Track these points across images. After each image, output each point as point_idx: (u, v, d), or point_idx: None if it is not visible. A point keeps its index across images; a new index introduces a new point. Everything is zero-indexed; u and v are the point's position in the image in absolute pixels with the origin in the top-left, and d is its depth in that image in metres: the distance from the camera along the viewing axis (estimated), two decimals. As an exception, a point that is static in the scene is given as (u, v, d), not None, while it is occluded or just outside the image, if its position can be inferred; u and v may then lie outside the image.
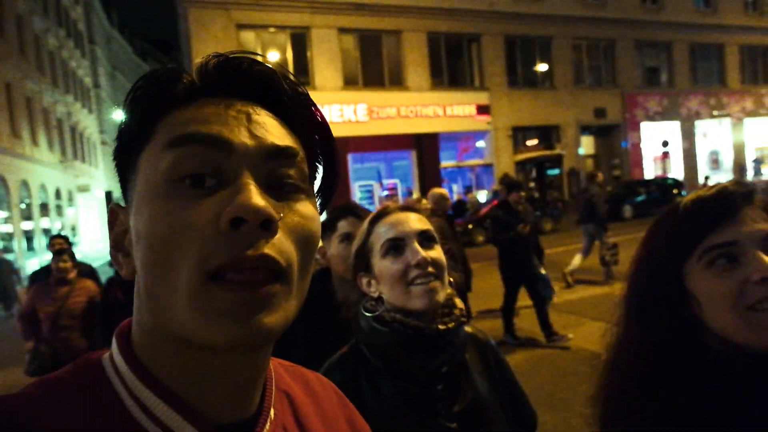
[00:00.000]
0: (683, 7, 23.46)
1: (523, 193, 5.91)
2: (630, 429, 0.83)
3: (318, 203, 0.53)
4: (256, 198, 0.42)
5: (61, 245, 5.55)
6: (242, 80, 0.49)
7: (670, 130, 23.39)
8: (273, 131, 0.48)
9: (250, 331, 0.42)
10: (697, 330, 0.79)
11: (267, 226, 0.42)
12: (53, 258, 4.31)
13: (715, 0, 24.28)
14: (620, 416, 0.85)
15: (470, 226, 15.68)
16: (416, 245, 1.08)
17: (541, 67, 21.13)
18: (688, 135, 24.06)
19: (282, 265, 0.43)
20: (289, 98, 0.50)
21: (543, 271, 5.71)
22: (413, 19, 18.44)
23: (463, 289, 5.02)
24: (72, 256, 4.45)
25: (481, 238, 15.41)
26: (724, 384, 0.75)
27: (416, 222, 1.12)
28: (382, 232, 1.12)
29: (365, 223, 1.17)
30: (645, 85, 23.25)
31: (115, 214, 0.51)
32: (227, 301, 0.41)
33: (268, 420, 0.51)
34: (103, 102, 38.83)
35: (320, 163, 0.54)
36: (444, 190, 5.83)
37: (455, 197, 19.24)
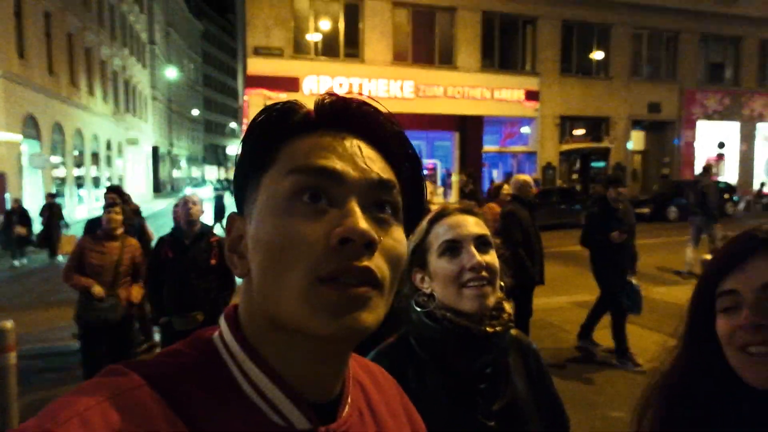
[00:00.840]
0: (759, 0, 22.06)
1: (623, 190, 5.20)
2: None
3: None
4: (362, 222, 0.50)
5: (114, 199, 5.67)
6: (352, 117, 0.56)
7: (729, 130, 22.34)
8: (377, 164, 0.55)
9: (348, 326, 0.50)
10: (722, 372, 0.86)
11: (369, 246, 0.50)
12: (105, 209, 4.28)
13: (795, -5, 22.74)
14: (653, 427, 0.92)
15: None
16: (472, 249, 1.12)
17: (597, 55, 20.40)
18: (748, 137, 22.94)
19: (378, 278, 0.51)
20: (389, 135, 0.58)
21: (635, 281, 5.09)
22: (470, -3, 18.03)
23: (532, 284, 4.85)
24: (123, 209, 4.45)
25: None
26: (737, 413, 0.84)
27: (474, 226, 1.16)
28: (441, 233, 1.16)
29: (424, 222, 1.21)
30: (706, 82, 22.17)
31: (233, 221, 0.58)
32: (332, 300, 0.49)
33: (347, 403, 0.59)
34: (156, 58, 39.71)
35: (408, 193, 0.60)
36: (529, 177, 5.32)
37: (487, 185, 19.01)
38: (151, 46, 38.42)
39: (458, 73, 18.02)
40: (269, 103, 0.61)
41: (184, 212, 3.78)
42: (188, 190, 35.42)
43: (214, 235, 3.91)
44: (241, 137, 0.58)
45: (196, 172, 63.22)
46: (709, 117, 22.07)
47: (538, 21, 19.21)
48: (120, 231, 4.23)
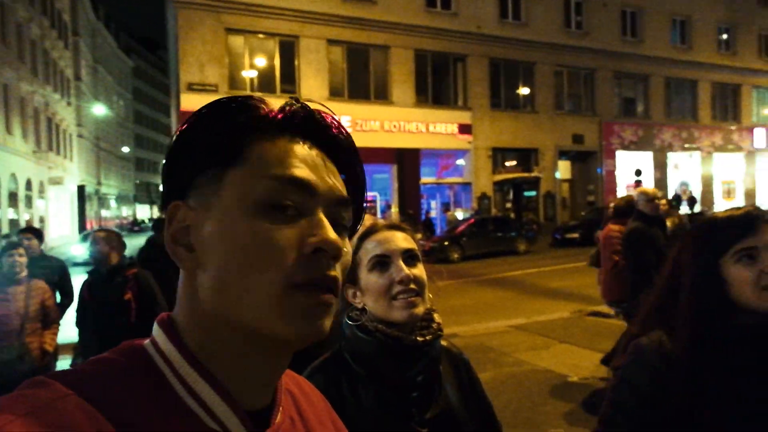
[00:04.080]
0: (661, 42, 24.40)
1: None
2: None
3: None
4: (334, 234, 0.53)
5: (29, 238, 4.86)
6: (315, 126, 0.59)
7: (644, 159, 24.15)
8: (337, 179, 0.59)
9: (315, 330, 0.52)
10: (726, 306, 1.18)
11: (337, 257, 0.54)
12: (5, 251, 3.76)
13: (691, 37, 25.33)
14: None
15: (446, 243, 15.86)
16: (401, 263, 1.17)
17: (524, 90, 21.65)
18: (661, 165, 24.88)
19: (339, 285, 0.55)
20: (344, 147, 0.61)
21: None
22: (402, 36, 18.75)
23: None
24: (27, 251, 3.94)
25: (456, 255, 15.60)
26: (742, 345, 1.15)
27: (402, 241, 1.21)
28: (370, 248, 1.20)
29: (354, 239, 1.26)
30: (621, 115, 24.01)
31: (176, 210, 0.55)
32: (305, 305, 0.51)
33: (280, 410, 0.60)
34: (83, 95, 38.15)
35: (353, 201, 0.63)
36: (653, 190, 4.50)
37: (424, 215, 19.40)
38: (77, 82, 36.94)
39: (394, 108, 18.53)
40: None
41: (94, 250, 3.60)
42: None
43: (131, 268, 3.68)
44: (187, 122, 0.56)
45: (126, 211, 60.40)
46: (626, 147, 23.81)
47: (467, 59, 20.20)
48: (24, 274, 3.77)
